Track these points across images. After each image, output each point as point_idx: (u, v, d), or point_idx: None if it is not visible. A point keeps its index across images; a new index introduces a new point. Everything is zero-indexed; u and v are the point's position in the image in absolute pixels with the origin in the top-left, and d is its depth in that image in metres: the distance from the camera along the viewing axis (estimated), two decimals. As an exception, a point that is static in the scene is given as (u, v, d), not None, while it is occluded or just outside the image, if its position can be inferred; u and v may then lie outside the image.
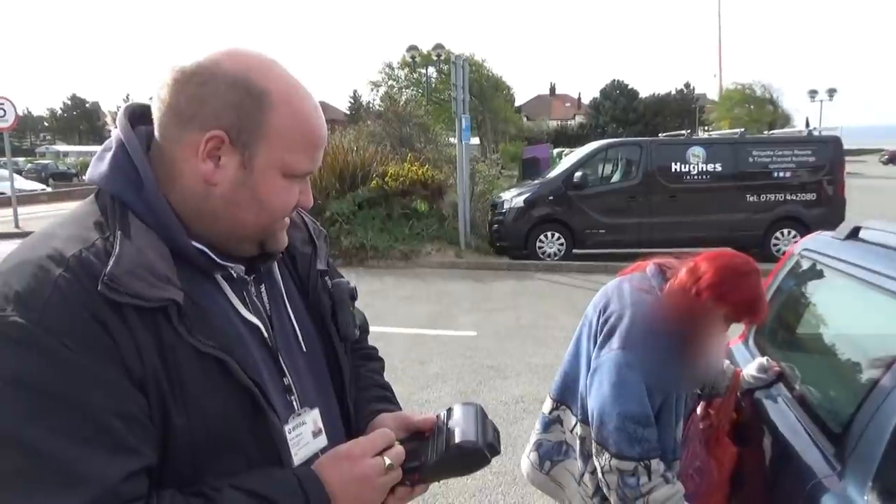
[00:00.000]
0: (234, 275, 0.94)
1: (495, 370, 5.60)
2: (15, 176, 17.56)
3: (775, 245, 10.45)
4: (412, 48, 25.06)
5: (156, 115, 0.89)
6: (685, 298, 1.75)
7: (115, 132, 0.92)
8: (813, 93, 37.41)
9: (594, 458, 1.81)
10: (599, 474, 1.79)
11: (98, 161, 0.91)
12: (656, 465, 1.70)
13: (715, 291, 1.72)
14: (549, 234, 10.61)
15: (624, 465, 1.70)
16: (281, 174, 0.90)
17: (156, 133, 0.90)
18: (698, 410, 2.17)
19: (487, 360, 5.85)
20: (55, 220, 0.89)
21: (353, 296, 1.11)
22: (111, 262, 0.79)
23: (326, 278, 1.10)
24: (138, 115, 0.95)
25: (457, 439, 0.94)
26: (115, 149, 0.90)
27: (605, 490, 1.78)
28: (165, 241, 0.86)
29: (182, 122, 0.87)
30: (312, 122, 0.91)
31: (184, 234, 0.88)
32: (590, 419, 1.82)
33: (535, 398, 4.89)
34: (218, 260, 0.91)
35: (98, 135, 71.34)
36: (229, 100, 0.85)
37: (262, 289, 1.00)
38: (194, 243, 0.89)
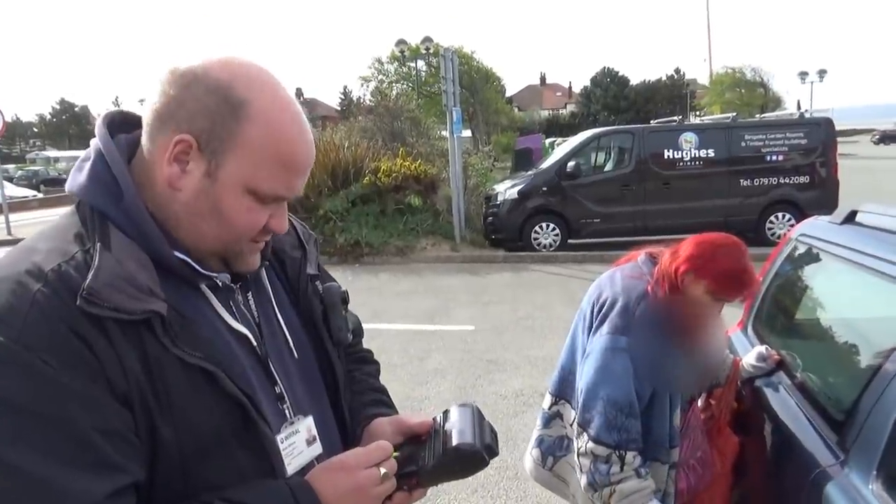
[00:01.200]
0: (219, 283, 0.92)
1: (494, 364, 5.59)
2: (5, 183, 17.44)
3: (770, 229, 10.47)
4: (401, 42, 24.91)
5: (144, 115, 0.87)
6: (668, 280, 1.76)
7: (94, 141, 0.90)
8: (803, 74, 37.40)
9: (574, 439, 1.82)
10: (575, 455, 1.80)
11: (77, 171, 0.89)
12: (631, 457, 1.70)
13: (692, 264, 1.72)
14: (543, 224, 10.60)
15: (599, 451, 1.71)
16: (246, 191, 0.86)
17: (142, 135, 0.88)
18: (699, 401, 2.16)
19: (486, 354, 5.84)
20: (36, 233, 0.87)
21: (345, 299, 1.09)
22: (90, 276, 0.77)
23: (317, 283, 1.08)
24: (118, 123, 0.93)
25: (454, 442, 0.93)
26: (93, 158, 0.88)
27: (577, 471, 1.79)
28: (147, 252, 0.84)
29: (160, 123, 0.84)
30: (293, 144, 0.86)
31: (164, 243, 0.86)
32: (576, 400, 1.83)
33: (535, 391, 4.88)
34: (200, 269, 0.89)
35: (88, 139, 70.42)
36: (204, 104, 0.82)
37: (250, 296, 0.98)
38: (177, 253, 0.87)
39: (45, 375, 0.72)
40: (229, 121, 0.83)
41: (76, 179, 0.88)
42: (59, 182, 35.79)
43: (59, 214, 0.90)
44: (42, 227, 0.89)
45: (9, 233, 14.80)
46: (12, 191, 23.52)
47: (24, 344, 0.72)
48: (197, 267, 0.88)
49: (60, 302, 0.75)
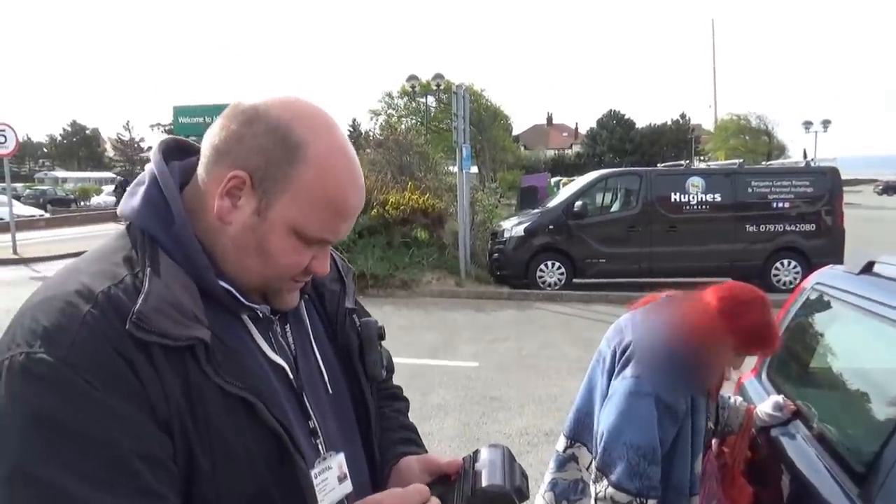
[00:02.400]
0: (260, 314, 0.92)
1: (498, 402, 5.54)
2: (13, 202, 17.55)
3: (776, 275, 10.47)
4: (412, 78, 25.20)
5: (203, 146, 0.89)
6: (692, 330, 1.75)
7: (149, 166, 0.91)
8: (808, 124, 37.81)
9: (592, 483, 1.79)
10: (593, 501, 1.77)
11: (130, 196, 0.90)
12: None
13: (716, 317, 1.72)
14: (549, 263, 10.61)
15: (619, 497, 1.68)
16: (293, 232, 0.87)
17: (199, 165, 0.89)
18: (713, 447, 2.13)
19: (490, 392, 5.80)
20: (84, 254, 0.88)
21: (381, 335, 1.09)
22: (140, 300, 0.77)
23: (354, 317, 1.07)
24: (172, 150, 0.95)
25: (483, 483, 0.91)
26: (147, 183, 0.89)
27: None
28: (193, 278, 0.85)
29: (218, 156, 0.86)
30: (344, 190, 0.87)
31: (211, 271, 0.86)
32: (595, 444, 1.81)
33: (539, 430, 4.83)
34: (243, 300, 0.89)
35: (97, 161, 71.38)
36: (262, 144, 0.84)
37: (288, 328, 0.98)
38: (221, 283, 0.87)
39: (89, 397, 0.72)
40: (284, 163, 0.84)
41: (129, 203, 0.89)
42: (66, 202, 36.03)
43: (107, 237, 0.91)
44: (90, 248, 0.90)
45: (14, 251, 14.83)
46: (20, 209, 23.64)
47: (71, 364, 0.72)
48: (240, 297, 0.89)
49: (109, 324, 0.76)
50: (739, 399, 2.26)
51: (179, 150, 0.96)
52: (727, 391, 2.22)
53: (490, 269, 11.31)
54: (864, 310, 2.01)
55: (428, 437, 4.68)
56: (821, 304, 2.42)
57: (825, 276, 2.43)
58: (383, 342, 1.10)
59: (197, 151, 0.92)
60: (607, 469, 1.72)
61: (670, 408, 1.71)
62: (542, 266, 10.61)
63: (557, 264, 10.60)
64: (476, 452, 0.98)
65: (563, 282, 10.57)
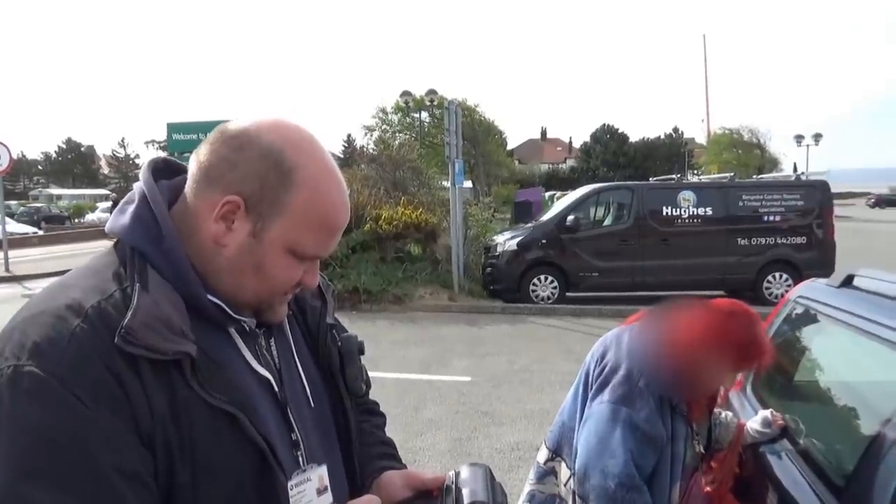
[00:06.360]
0: (247, 328, 0.94)
1: (490, 416, 5.54)
2: (6, 219, 17.53)
3: (767, 288, 10.52)
4: (405, 93, 25.30)
5: (191, 168, 0.91)
6: (676, 348, 1.73)
7: (138, 185, 0.94)
8: (799, 138, 38.13)
9: None
10: None
11: (119, 213, 0.92)
12: None
13: (702, 334, 1.71)
14: (542, 277, 10.64)
15: None
16: (288, 251, 0.90)
17: (186, 186, 0.91)
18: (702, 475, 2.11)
19: (482, 406, 5.79)
20: (72, 271, 0.90)
21: (361, 350, 1.11)
22: (129, 314, 0.79)
23: (335, 332, 1.10)
24: (161, 169, 0.97)
25: (466, 501, 0.93)
26: (137, 201, 0.92)
27: None
28: (182, 294, 0.86)
29: (210, 180, 0.88)
30: (334, 209, 0.91)
31: (201, 287, 0.88)
32: (573, 463, 1.81)
33: (531, 446, 4.82)
34: (232, 314, 0.91)
35: (92, 178, 71.38)
36: (256, 169, 0.86)
37: (272, 342, 1.00)
38: (210, 297, 0.89)
39: (75, 411, 0.73)
40: (278, 186, 0.87)
41: (119, 221, 0.91)
42: (60, 219, 35.95)
43: (96, 254, 0.93)
44: (78, 264, 0.92)
45: (7, 269, 14.79)
46: (13, 227, 23.61)
47: (59, 377, 0.74)
48: (229, 311, 0.91)
49: (98, 339, 0.77)
50: (730, 415, 2.23)
51: (168, 170, 0.98)
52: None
53: (483, 284, 11.33)
54: (844, 322, 2.04)
55: (420, 452, 4.69)
56: (803, 318, 2.44)
57: (807, 290, 2.46)
58: (362, 357, 1.12)
59: (185, 171, 0.95)
60: (586, 497, 1.72)
61: (648, 435, 1.70)
62: (535, 280, 10.63)
63: (550, 278, 10.62)
64: (458, 471, 1.00)
65: (555, 296, 10.59)
